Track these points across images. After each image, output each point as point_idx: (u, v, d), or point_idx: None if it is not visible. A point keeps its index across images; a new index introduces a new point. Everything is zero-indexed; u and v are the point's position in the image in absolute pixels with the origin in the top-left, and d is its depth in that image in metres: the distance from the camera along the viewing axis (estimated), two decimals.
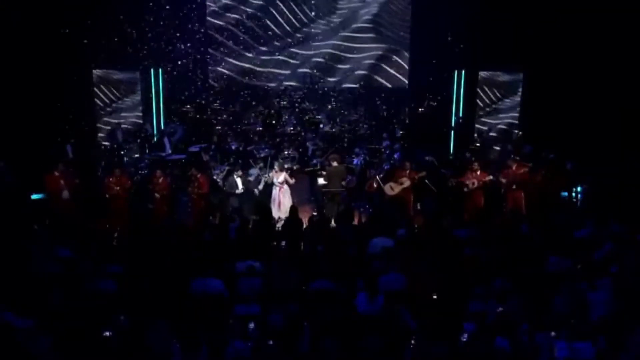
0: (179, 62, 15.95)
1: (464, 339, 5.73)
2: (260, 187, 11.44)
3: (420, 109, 16.01)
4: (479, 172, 10.88)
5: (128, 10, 13.81)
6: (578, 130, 12.03)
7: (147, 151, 13.71)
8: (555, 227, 9.07)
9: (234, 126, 16.16)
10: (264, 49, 17.40)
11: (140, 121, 14.69)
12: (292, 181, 11.34)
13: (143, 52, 14.51)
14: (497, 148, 13.65)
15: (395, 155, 13.06)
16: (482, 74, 14.42)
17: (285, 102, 17.19)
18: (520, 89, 14.27)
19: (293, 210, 9.89)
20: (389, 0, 17.09)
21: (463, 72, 14.62)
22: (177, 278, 7.22)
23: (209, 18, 16.97)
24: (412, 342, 5.74)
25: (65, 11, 12.26)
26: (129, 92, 14.54)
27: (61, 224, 9.38)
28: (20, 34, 11.72)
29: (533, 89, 13.73)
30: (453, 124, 14.82)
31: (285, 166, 11.90)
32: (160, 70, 14.96)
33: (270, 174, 11.47)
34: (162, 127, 14.93)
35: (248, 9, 17.17)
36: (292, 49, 17.52)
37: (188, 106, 16.12)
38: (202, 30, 16.58)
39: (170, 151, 13.75)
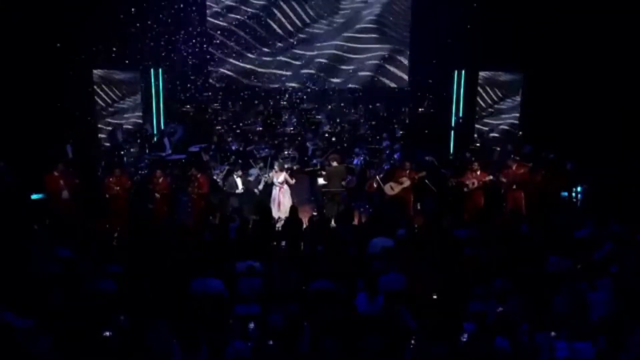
0: (179, 62, 15.93)
1: (464, 339, 5.73)
2: (260, 187, 11.44)
3: (420, 109, 16.02)
4: (479, 172, 10.89)
5: (128, 10, 13.80)
6: (578, 131, 12.02)
7: (147, 151, 13.71)
8: (555, 227, 9.07)
9: (234, 126, 16.15)
10: (266, 49, 17.35)
11: (141, 121, 14.70)
12: (292, 181, 11.35)
13: (143, 52, 14.50)
14: (498, 149, 13.65)
15: (395, 155, 13.07)
16: (483, 73, 14.41)
17: (285, 102, 17.18)
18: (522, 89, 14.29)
19: (293, 210, 9.90)
20: (392, 0, 17.06)
21: (463, 72, 14.60)
22: (177, 278, 7.22)
23: (210, 19, 16.95)
24: (412, 342, 5.74)
25: (65, 11, 12.22)
26: (131, 93, 14.48)
27: (61, 224, 9.38)
28: (21, 34, 11.71)
29: (533, 89, 13.72)
30: (453, 124, 14.82)
31: (285, 166, 11.90)
32: (160, 70, 14.95)
33: (270, 174, 11.47)
34: (162, 127, 14.93)
35: (250, 10, 17.12)
36: (295, 50, 17.48)
37: (188, 106, 16.12)
38: (203, 30, 16.57)
39: (170, 151, 13.74)
